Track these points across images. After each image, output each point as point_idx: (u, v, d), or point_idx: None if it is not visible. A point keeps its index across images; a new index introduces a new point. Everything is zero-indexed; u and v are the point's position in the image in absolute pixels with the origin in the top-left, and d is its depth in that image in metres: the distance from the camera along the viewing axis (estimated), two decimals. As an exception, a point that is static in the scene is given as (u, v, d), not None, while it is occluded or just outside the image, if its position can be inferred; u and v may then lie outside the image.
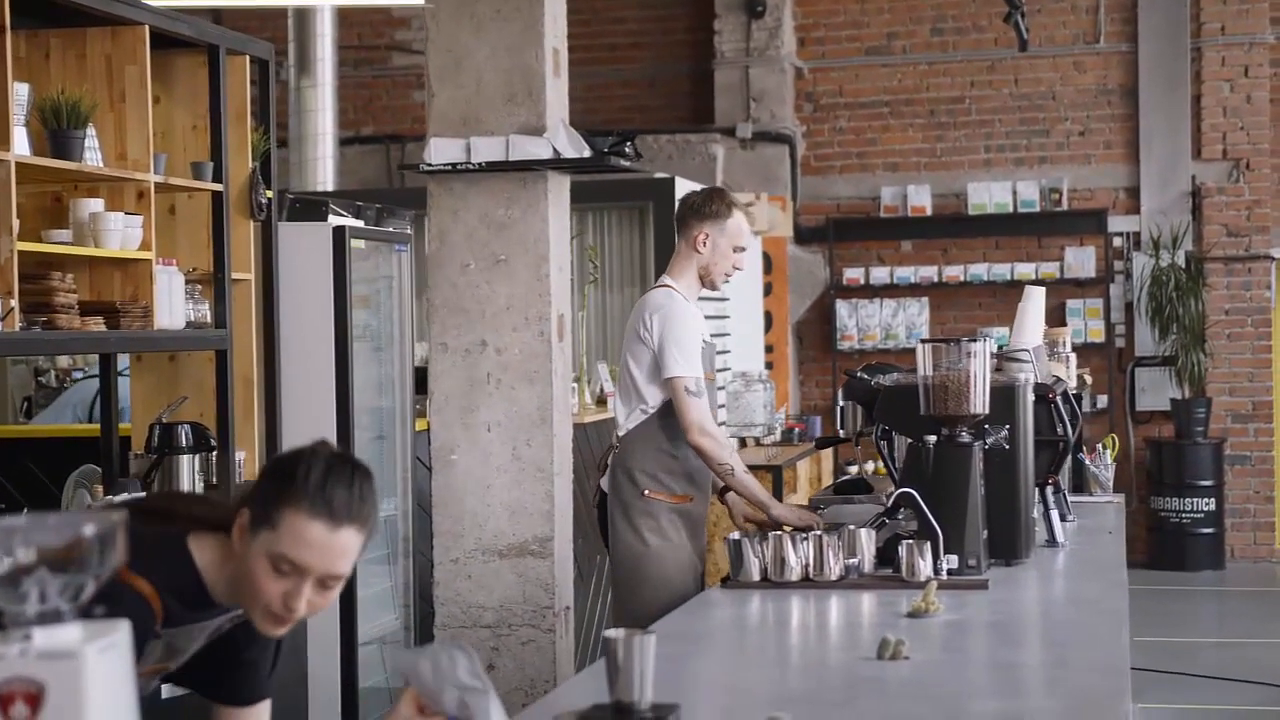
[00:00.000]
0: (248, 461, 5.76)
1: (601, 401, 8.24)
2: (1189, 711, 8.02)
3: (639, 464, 5.16)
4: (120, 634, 1.77)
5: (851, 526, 4.35)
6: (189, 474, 5.34)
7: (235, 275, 5.67)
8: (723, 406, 9.66)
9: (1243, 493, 12.46)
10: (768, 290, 12.29)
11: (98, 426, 5.67)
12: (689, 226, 5.26)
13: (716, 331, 10.04)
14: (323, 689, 6.15)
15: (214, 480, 5.52)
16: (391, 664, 6.59)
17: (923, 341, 4.43)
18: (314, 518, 2.52)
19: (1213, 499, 12.13)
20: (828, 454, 11.25)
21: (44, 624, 1.73)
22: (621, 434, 5.22)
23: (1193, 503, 12.10)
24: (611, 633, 2.71)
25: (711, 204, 5.25)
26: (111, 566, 1.77)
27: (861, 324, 12.82)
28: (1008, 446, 4.48)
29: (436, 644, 2.50)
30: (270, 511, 2.54)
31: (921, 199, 12.76)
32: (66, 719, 1.69)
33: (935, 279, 12.67)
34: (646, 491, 5.14)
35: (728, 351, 10.32)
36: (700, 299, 7.89)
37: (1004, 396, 4.50)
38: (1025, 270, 12.45)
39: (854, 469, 11.46)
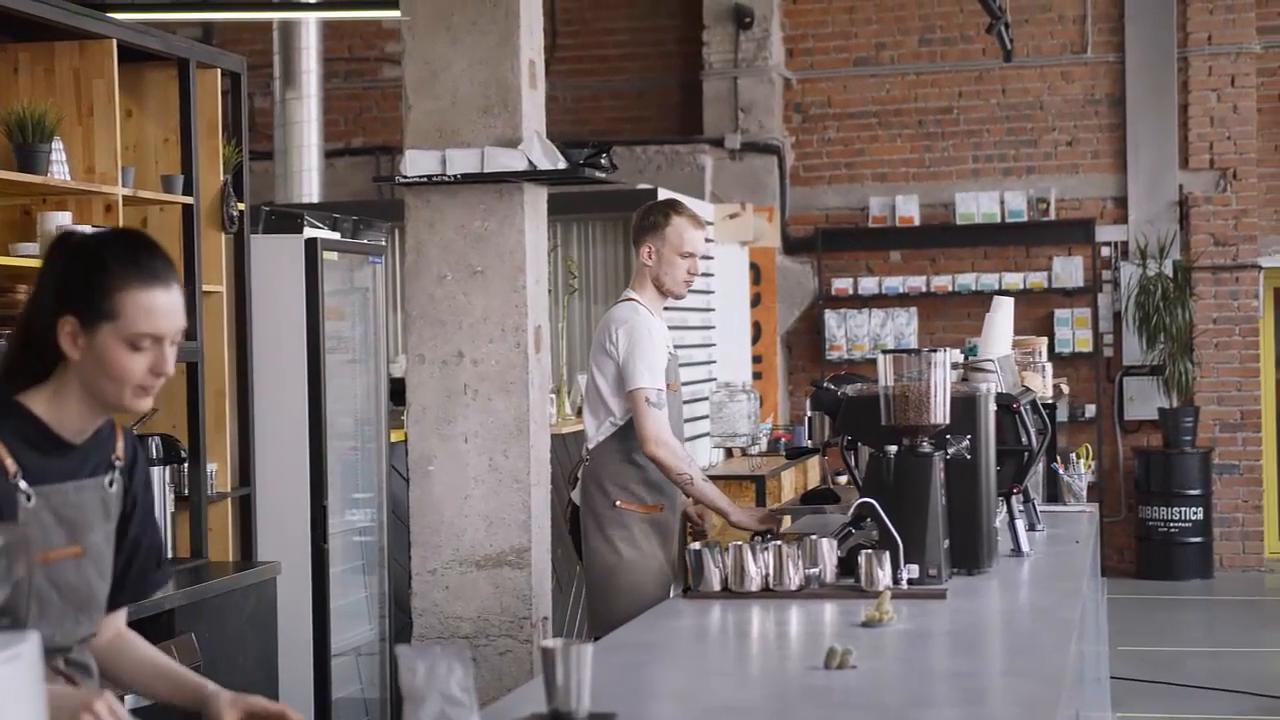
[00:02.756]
0: (219, 473, 5.78)
1: (581, 412, 8.25)
2: (1158, 720, 8.04)
3: (609, 475, 5.25)
4: (28, 644, 1.78)
5: (813, 536, 4.36)
6: (160, 486, 5.35)
7: (207, 287, 5.69)
8: (704, 418, 9.68)
9: (1231, 502, 12.46)
10: (756, 301, 12.32)
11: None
12: (635, 242, 5.41)
13: (702, 342, 10.08)
14: (295, 700, 6.16)
15: (185, 492, 5.53)
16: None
17: (884, 352, 4.45)
18: (148, 288, 2.64)
19: (1201, 508, 12.13)
20: (814, 464, 11.26)
21: (-52, 635, 1.74)
22: (591, 446, 5.32)
23: (1181, 512, 12.11)
24: (548, 643, 2.73)
25: (649, 216, 5.39)
26: (17, 578, 1.79)
27: (850, 334, 12.83)
28: (969, 456, 4.49)
29: (441, 647, 2.54)
30: (102, 306, 2.63)
31: (910, 209, 12.78)
32: (-31, 729, 1.71)
33: (924, 289, 12.69)
34: (618, 502, 5.23)
35: (713, 362, 10.34)
36: (682, 309, 7.90)
37: (965, 406, 4.51)
38: (1013, 280, 12.47)
39: (843, 479, 11.47)
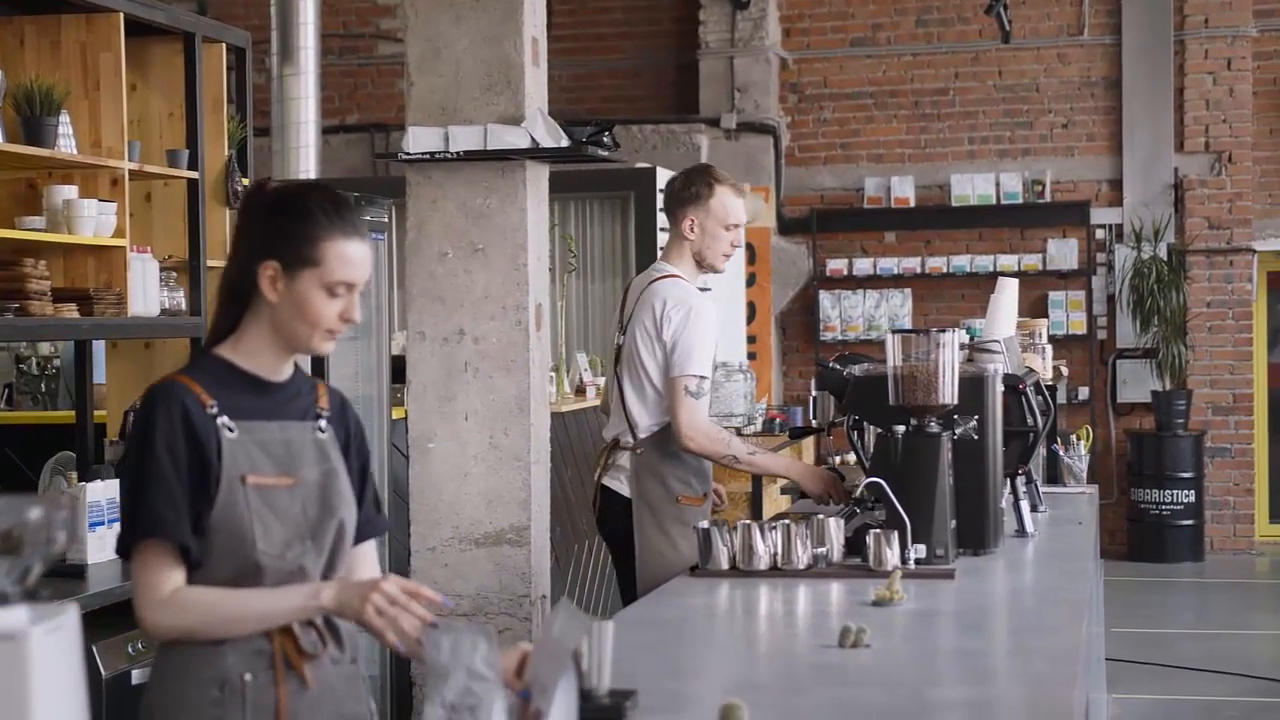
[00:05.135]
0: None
1: (580, 391, 8.25)
2: (1166, 702, 8.06)
3: (670, 469, 5.01)
4: (68, 616, 1.78)
5: (821, 516, 4.37)
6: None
7: (211, 263, 5.67)
8: (704, 396, 9.67)
9: (1222, 485, 12.50)
10: (751, 281, 12.32)
11: (73, 413, 5.67)
12: (674, 214, 5.13)
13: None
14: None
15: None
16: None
17: (893, 332, 4.44)
18: (349, 239, 2.82)
19: (1193, 491, 12.17)
20: (809, 444, 11.28)
21: (-11, 606, 1.74)
22: (642, 435, 5.04)
23: (1173, 494, 12.15)
24: (569, 619, 2.73)
25: (691, 186, 5.10)
26: (58, 549, 1.79)
27: (845, 315, 12.84)
28: (976, 437, 4.49)
29: (465, 623, 2.59)
30: (306, 253, 2.79)
31: (905, 190, 12.78)
32: (12, 701, 1.70)
33: (918, 270, 12.70)
34: (680, 498, 5.01)
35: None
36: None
37: (973, 387, 4.51)
38: (1008, 262, 12.48)
39: (836, 459, 11.49)
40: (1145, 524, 12.22)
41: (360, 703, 2.89)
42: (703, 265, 5.14)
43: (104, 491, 5.04)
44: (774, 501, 9.25)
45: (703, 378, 4.93)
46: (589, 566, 7.63)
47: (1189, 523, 12.18)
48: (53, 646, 1.75)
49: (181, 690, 2.78)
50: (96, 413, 5.64)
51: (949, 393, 4.36)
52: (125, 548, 2.78)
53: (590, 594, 7.62)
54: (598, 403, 7.99)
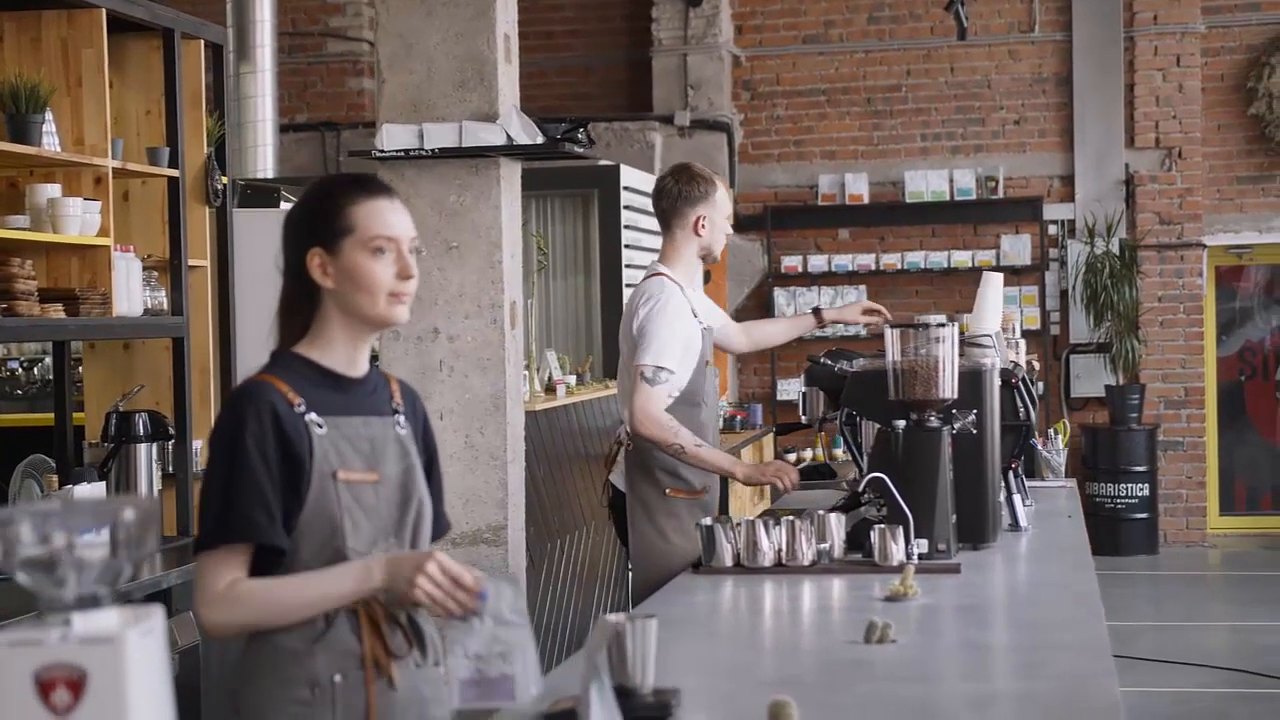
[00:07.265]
0: (204, 450, 5.69)
1: (550, 389, 8.22)
2: (1127, 694, 8.08)
3: (657, 462, 5.05)
4: (157, 619, 1.75)
5: (821, 511, 4.37)
6: (146, 463, 5.28)
7: (191, 262, 5.60)
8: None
9: (1175, 478, 12.61)
10: (706, 279, 12.26)
11: (51, 415, 5.58)
12: (682, 214, 5.15)
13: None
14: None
15: (171, 469, 5.46)
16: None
17: (892, 326, 4.44)
18: (374, 198, 2.81)
19: (1146, 484, 12.26)
20: (769, 441, 11.32)
21: (83, 609, 1.71)
22: (631, 431, 5.06)
23: (1127, 488, 12.23)
24: (614, 617, 2.71)
25: (698, 186, 5.15)
26: (149, 550, 1.76)
27: (800, 312, 12.85)
28: (975, 431, 4.50)
29: (487, 576, 2.60)
30: (338, 225, 2.79)
31: (859, 187, 12.81)
32: (108, 704, 1.68)
33: (873, 267, 12.73)
34: (668, 490, 5.05)
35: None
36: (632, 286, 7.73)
37: (971, 381, 4.52)
38: (962, 258, 12.54)
39: (792, 456, 11.52)
40: (1100, 518, 12.28)
41: (443, 706, 2.87)
42: (707, 259, 5.23)
43: (90, 495, 4.98)
44: (738, 498, 9.25)
45: (660, 367, 4.95)
46: (562, 566, 7.60)
47: (1143, 516, 12.28)
48: (145, 648, 1.72)
49: (272, 689, 2.75)
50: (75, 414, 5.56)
51: (949, 387, 4.37)
52: (208, 548, 2.73)
53: (564, 594, 7.58)
54: (570, 401, 8.00)
